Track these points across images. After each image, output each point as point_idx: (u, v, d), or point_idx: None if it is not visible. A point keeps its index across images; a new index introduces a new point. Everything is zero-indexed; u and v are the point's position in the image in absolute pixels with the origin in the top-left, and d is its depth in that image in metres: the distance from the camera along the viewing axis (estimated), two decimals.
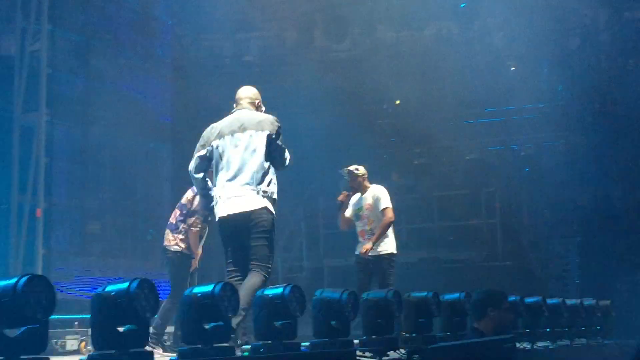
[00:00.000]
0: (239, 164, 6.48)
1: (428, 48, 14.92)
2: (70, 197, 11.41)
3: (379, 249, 8.93)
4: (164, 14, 13.55)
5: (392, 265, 8.99)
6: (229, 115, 6.76)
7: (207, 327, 4.98)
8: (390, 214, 8.99)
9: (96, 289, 4.74)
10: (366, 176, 9.21)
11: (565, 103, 14.79)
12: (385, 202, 9.03)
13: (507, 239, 14.47)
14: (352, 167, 9.17)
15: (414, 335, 6.79)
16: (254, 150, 6.48)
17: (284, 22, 15.52)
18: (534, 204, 14.84)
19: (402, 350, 6.33)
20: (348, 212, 9.24)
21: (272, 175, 6.55)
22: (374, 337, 6.33)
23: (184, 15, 14.36)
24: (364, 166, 9.30)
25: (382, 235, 8.93)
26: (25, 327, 4.10)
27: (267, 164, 6.51)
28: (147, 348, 4.68)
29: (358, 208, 9.16)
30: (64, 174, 11.32)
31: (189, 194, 8.82)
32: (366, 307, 6.34)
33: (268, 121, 6.61)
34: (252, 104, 6.82)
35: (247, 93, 6.88)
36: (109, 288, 4.55)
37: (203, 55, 15.05)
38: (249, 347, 5.69)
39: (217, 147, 6.58)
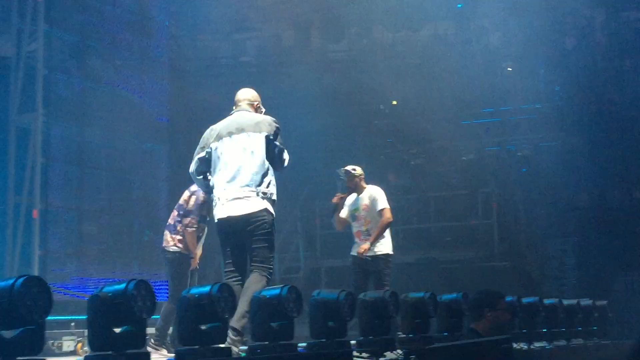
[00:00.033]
0: (238, 165, 6.49)
1: (425, 48, 14.93)
2: (67, 198, 11.37)
3: (375, 250, 8.93)
4: (160, 15, 13.51)
5: (389, 266, 8.99)
6: (228, 117, 6.77)
7: (204, 328, 4.98)
8: (388, 215, 9.00)
9: (93, 290, 4.74)
10: (363, 176, 9.21)
11: (562, 103, 14.80)
12: (383, 202, 9.04)
13: (504, 240, 14.48)
14: (349, 167, 9.17)
15: (410, 335, 6.80)
16: (253, 152, 6.49)
17: (280, 22, 15.51)
18: (531, 204, 14.85)
19: (399, 351, 6.33)
20: (344, 213, 9.23)
21: (271, 176, 6.56)
22: (370, 337, 6.33)
23: (180, 15, 14.35)
24: (361, 166, 9.30)
25: (380, 235, 8.94)
26: (22, 329, 4.10)
27: (266, 165, 6.52)
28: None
29: (354, 209, 9.15)
30: (61, 174, 11.28)
31: (185, 195, 8.84)
32: (363, 307, 6.35)
33: (266, 122, 6.62)
34: (251, 105, 6.83)
35: (246, 95, 6.90)
36: (105, 289, 4.55)
37: (200, 56, 15.05)
38: (245, 347, 5.69)
39: (215, 149, 6.60)
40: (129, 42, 12.70)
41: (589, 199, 14.31)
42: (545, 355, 7.99)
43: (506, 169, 15.22)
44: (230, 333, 5.70)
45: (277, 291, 5.41)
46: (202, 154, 6.67)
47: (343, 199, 9.20)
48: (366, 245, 8.88)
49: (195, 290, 5.09)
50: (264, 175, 6.50)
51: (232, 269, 6.53)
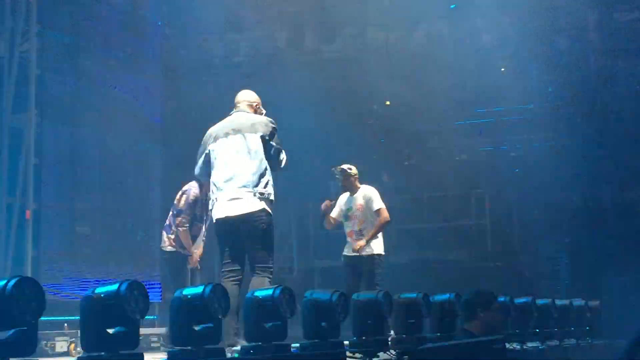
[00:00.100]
0: (235, 166, 6.56)
1: (418, 49, 14.93)
2: (60, 198, 11.35)
3: (367, 249, 8.95)
4: (153, 15, 13.49)
5: (380, 266, 9.01)
6: (226, 118, 6.85)
7: (197, 328, 4.98)
8: (386, 214, 9.04)
9: (86, 290, 4.73)
10: (357, 176, 9.23)
11: (555, 104, 14.82)
12: (379, 202, 9.07)
13: (497, 240, 14.51)
14: (345, 166, 9.21)
15: (403, 336, 6.81)
16: (249, 152, 6.55)
17: (274, 22, 15.49)
18: (524, 205, 14.87)
19: (392, 352, 6.35)
20: (335, 212, 9.26)
21: (268, 176, 6.63)
22: (364, 338, 6.34)
23: (173, 16, 14.32)
24: (355, 166, 9.32)
25: (377, 234, 8.97)
26: (15, 329, 4.09)
27: (263, 166, 6.58)
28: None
29: (348, 208, 9.16)
30: (54, 175, 11.26)
31: (178, 194, 8.88)
32: (356, 308, 6.35)
33: (262, 123, 6.68)
34: (251, 106, 6.91)
35: (246, 96, 6.99)
36: (98, 290, 4.55)
37: (193, 56, 15.01)
38: (238, 348, 5.69)
39: (213, 151, 6.69)
40: (122, 43, 12.68)
41: (582, 199, 14.33)
42: (538, 356, 8.01)
43: (499, 170, 15.23)
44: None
45: (270, 292, 5.41)
46: (203, 157, 6.78)
47: (333, 205, 9.25)
48: (362, 242, 8.90)
49: (187, 291, 5.09)
50: (262, 175, 6.56)
51: (230, 268, 6.61)
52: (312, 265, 15.09)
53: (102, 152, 12.15)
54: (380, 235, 9.07)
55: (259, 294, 5.48)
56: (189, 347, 4.92)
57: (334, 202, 9.24)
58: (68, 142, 11.59)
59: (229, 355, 5.73)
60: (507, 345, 7.17)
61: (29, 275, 9.62)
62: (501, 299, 7.15)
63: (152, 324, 11.43)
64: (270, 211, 6.58)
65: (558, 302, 9.10)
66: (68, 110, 11.56)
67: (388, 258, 9.23)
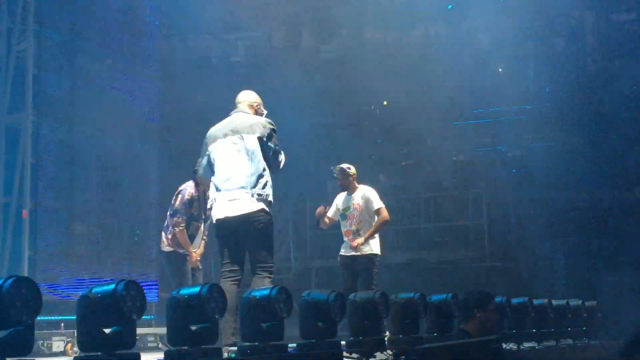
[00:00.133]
0: (233, 167, 6.57)
1: (415, 49, 14.94)
2: (57, 198, 11.33)
3: (364, 249, 8.95)
4: (151, 14, 13.47)
5: (376, 266, 9.00)
6: (225, 119, 6.85)
7: (194, 328, 4.98)
8: (385, 213, 9.04)
9: (82, 290, 4.73)
10: (356, 176, 9.24)
11: (552, 104, 14.84)
12: (378, 202, 9.08)
13: (494, 240, 14.52)
14: (344, 165, 9.21)
15: (400, 336, 6.80)
16: (247, 153, 6.56)
17: (271, 22, 15.50)
18: (521, 205, 14.88)
19: (389, 352, 6.34)
20: (331, 212, 9.27)
21: (267, 177, 6.63)
22: (360, 338, 6.33)
23: (171, 15, 14.30)
24: (354, 166, 9.33)
25: (375, 233, 8.98)
26: (11, 329, 4.08)
27: (261, 167, 6.58)
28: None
29: (345, 207, 9.16)
30: (50, 174, 11.23)
31: (174, 195, 8.91)
32: (353, 308, 6.35)
33: (260, 124, 6.68)
34: (251, 106, 6.92)
35: (246, 97, 6.98)
36: (95, 289, 4.55)
37: (191, 56, 15.02)
38: (235, 348, 5.69)
39: (212, 152, 6.70)
40: (119, 42, 12.66)
41: (579, 200, 14.35)
42: (535, 356, 8.01)
43: (497, 170, 15.25)
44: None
45: (267, 292, 5.41)
46: (205, 159, 6.80)
47: (327, 209, 9.26)
48: (360, 240, 8.89)
49: (185, 291, 5.09)
50: (260, 176, 6.57)
51: (229, 269, 6.61)
52: (308, 265, 15.09)
53: (98, 152, 12.13)
54: (377, 235, 9.07)
55: (256, 294, 5.47)
56: (186, 347, 4.92)
57: (328, 207, 9.28)
58: (65, 142, 11.56)
59: (226, 355, 5.73)
60: (504, 346, 7.18)
61: (26, 274, 9.62)
62: (498, 299, 7.15)
63: (149, 324, 11.42)
64: (269, 211, 6.60)
65: (555, 302, 9.10)
66: (65, 110, 11.55)
67: (385, 258, 9.23)
